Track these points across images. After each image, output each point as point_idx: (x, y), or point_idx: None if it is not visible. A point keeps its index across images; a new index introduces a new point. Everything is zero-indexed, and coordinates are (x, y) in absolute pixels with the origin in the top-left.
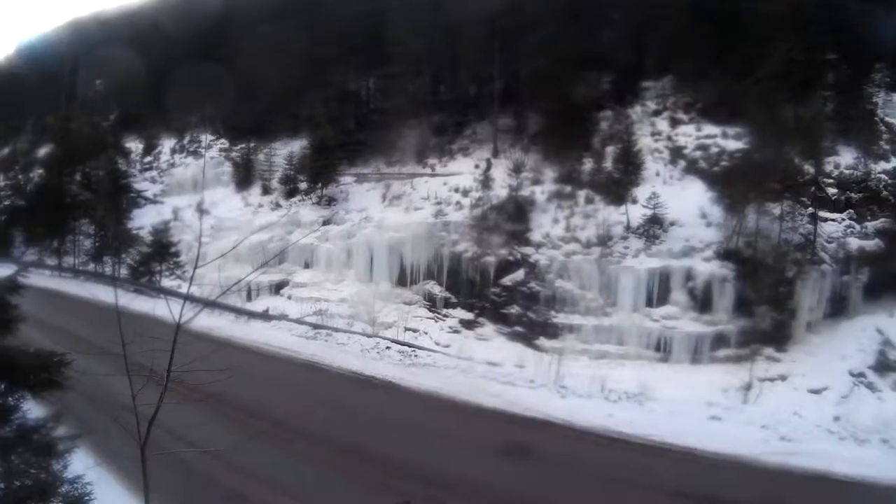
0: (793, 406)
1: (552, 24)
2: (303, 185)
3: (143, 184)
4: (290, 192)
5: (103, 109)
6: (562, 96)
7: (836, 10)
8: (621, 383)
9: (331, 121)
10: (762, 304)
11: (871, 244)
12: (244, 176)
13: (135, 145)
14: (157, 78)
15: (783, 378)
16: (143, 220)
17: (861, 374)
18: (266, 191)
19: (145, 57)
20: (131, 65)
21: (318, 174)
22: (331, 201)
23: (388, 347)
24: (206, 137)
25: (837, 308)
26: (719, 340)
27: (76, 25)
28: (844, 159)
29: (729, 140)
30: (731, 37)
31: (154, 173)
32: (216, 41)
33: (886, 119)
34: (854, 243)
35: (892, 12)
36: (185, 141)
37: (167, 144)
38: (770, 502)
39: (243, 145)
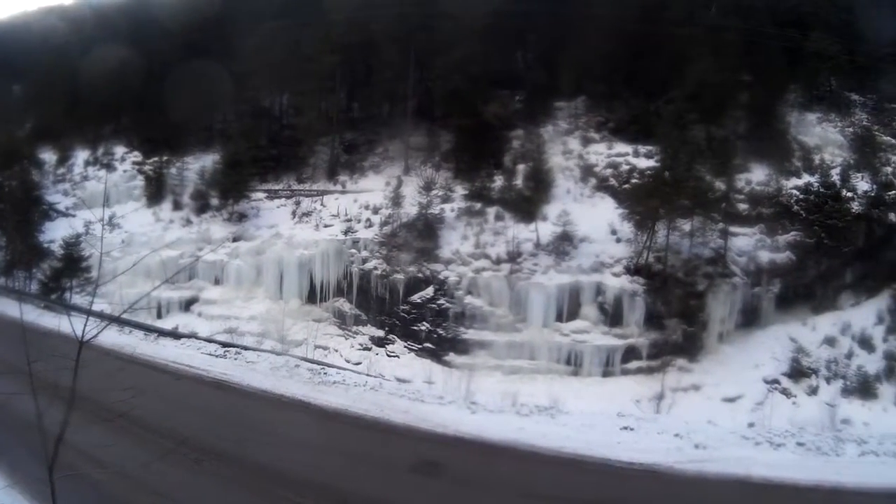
0: (706, 415)
1: (467, 43)
2: (214, 201)
3: (55, 196)
4: (202, 208)
5: (19, 118)
6: (474, 115)
7: (752, 34)
8: (533, 397)
9: (243, 136)
10: (673, 317)
11: (783, 257)
12: (156, 190)
13: (49, 156)
14: (73, 86)
15: (696, 388)
16: (55, 234)
17: (775, 381)
18: (177, 206)
19: (62, 64)
20: (48, 72)
21: (229, 190)
22: (241, 217)
23: (297, 365)
24: (119, 150)
25: (750, 319)
26: (631, 353)
27: None
28: (756, 176)
29: (640, 158)
30: (646, 58)
31: (67, 185)
32: (133, 50)
33: (799, 138)
34: (765, 256)
35: (806, 36)
36: (100, 153)
37: (81, 156)
38: None
39: (156, 159)
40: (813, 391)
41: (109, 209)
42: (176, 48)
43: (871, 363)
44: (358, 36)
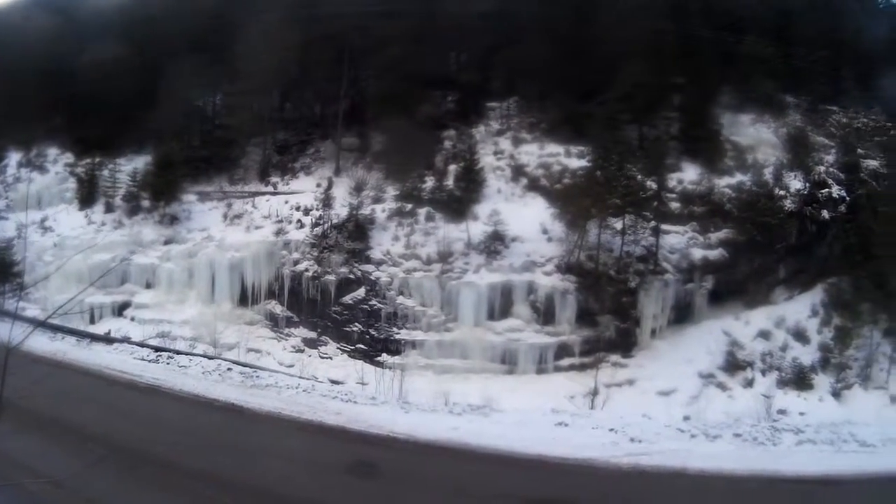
0: (641, 409)
1: (400, 44)
2: (146, 203)
3: None
4: (133, 210)
5: None
6: (406, 115)
7: (687, 37)
8: (466, 396)
9: (176, 136)
10: (605, 314)
11: (715, 254)
12: (88, 193)
13: None
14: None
15: (630, 383)
16: None
17: (710, 375)
18: (109, 208)
19: None
20: None
21: (160, 191)
22: (173, 220)
23: (229, 369)
24: (52, 151)
25: (683, 314)
26: (564, 350)
27: None
28: (689, 175)
29: (572, 158)
30: (579, 60)
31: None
32: (66, 48)
33: (732, 138)
34: (698, 253)
35: (741, 39)
36: (33, 154)
37: (14, 157)
38: (626, 501)
39: (88, 160)
40: (748, 384)
41: (41, 212)
42: (109, 46)
43: (807, 355)
44: (292, 35)
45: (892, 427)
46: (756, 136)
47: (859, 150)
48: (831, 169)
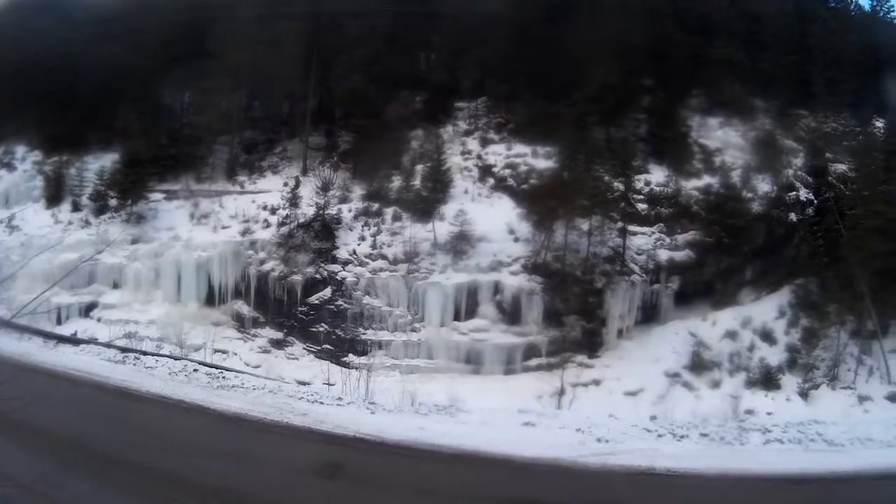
0: (608, 409)
1: (370, 43)
2: (113, 202)
3: None
4: (101, 209)
5: None
6: (373, 115)
7: (657, 39)
8: (432, 396)
9: (143, 134)
10: (572, 314)
11: (682, 255)
12: (55, 191)
13: None
14: None
15: (597, 383)
16: None
17: (677, 375)
18: (76, 207)
19: None
20: None
21: (127, 190)
22: (140, 219)
23: (196, 370)
24: (20, 149)
25: (650, 315)
26: (530, 350)
27: None
28: (656, 177)
29: (539, 159)
30: (548, 62)
31: None
32: (34, 46)
33: (700, 140)
34: (664, 254)
35: (711, 43)
36: (0, 152)
37: None
38: (592, 501)
39: (57, 158)
40: (715, 384)
41: (9, 210)
42: (77, 43)
43: (774, 355)
44: (261, 33)
45: (860, 426)
46: (724, 138)
47: (828, 154)
48: (799, 172)
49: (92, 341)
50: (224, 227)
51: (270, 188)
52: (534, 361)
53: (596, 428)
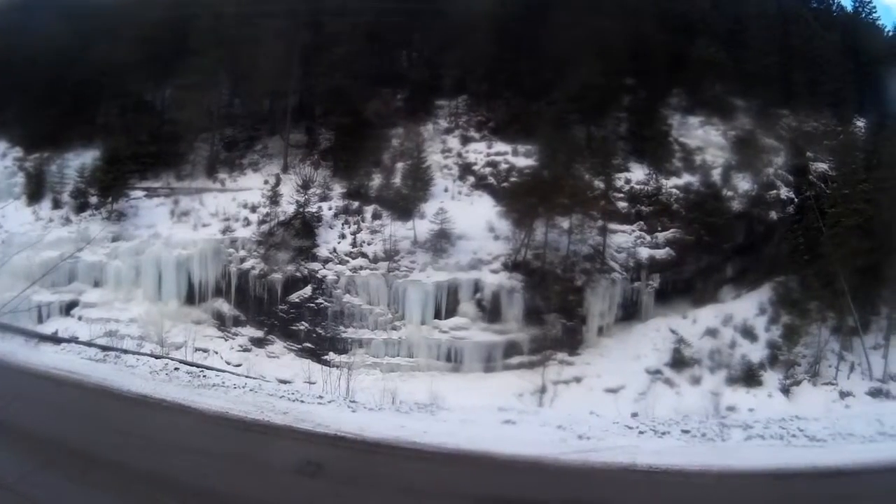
0: (589, 406)
1: (350, 41)
2: (94, 199)
3: None
4: (81, 207)
5: None
6: (354, 112)
7: (638, 38)
8: (413, 395)
9: (124, 131)
10: (552, 312)
11: (662, 253)
12: (36, 188)
13: None
14: None
15: (578, 380)
16: None
17: (658, 372)
18: (57, 204)
19: None
20: None
21: (108, 188)
22: (121, 216)
23: (176, 369)
24: (1, 145)
25: (630, 312)
26: (511, 348)
27: None
28: (636, 175)
29: (519, 157)
30: (529, 60)
31: None
32: (15, 41)
33: (680, 139)
34: (644, 252)
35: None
36: None
37: None
38: (574, 498)
39: (37, 155)
40: (696, 381)
41: None
42: (58, 39)
43: (755, 352)
44: (242, 30)
45: (841, 422)
46: (705, 137)
47: (808, 153)
48: (780, 171)
49: (73, 340)
50: (204, 225)
51: (251, 186)
52: (514, 359)
53: (577, 425)
